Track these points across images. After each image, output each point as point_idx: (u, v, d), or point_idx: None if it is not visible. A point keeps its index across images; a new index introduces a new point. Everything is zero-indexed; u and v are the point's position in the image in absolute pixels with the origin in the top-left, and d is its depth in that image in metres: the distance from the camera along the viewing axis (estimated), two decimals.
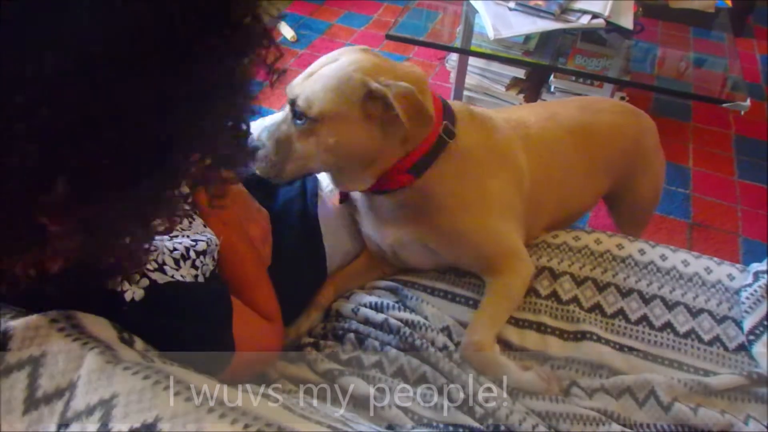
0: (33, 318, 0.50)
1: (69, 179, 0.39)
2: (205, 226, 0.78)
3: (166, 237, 0.68)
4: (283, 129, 0.87)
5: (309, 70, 0.88)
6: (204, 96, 0.44)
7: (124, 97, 0.39)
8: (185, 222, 0.75)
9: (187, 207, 0.68)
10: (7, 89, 0.36)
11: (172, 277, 0.63)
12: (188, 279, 0.66)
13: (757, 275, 1.00)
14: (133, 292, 0.59)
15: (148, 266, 0.61)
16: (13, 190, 0.39)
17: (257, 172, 0.89)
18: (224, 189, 0.53)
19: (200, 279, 0.69)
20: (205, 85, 0.43)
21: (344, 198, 1.01)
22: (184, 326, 0.64)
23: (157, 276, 0.62)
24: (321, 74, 0.85)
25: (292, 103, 0.86)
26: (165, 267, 0.63)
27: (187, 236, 0.71)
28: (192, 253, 0.68)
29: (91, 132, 0.39)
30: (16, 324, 0.49)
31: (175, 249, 0.66)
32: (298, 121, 0.85)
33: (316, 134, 0.85)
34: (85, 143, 0.39)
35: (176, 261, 0.65)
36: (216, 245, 0.75)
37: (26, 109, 0.36)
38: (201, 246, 0.70)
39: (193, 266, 0.68)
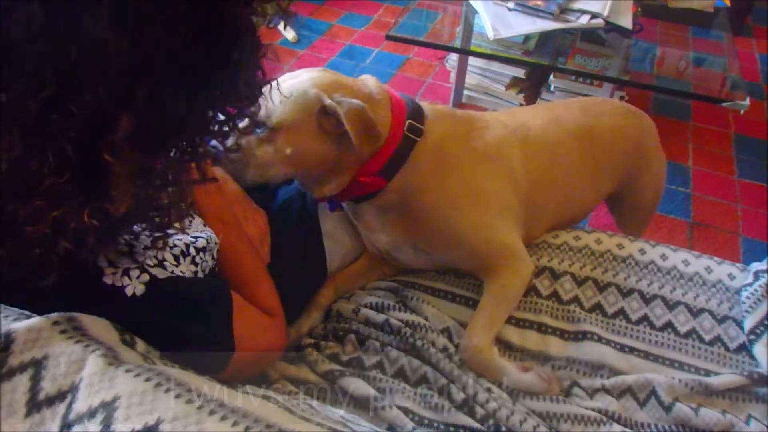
0: (35, 320, 0.50)
1: (133, 119, 0.46)
2: (204, 225, 0.78)
3: None
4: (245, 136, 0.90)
5: (274, 83, 0.90)
6: (237, 44, 0.50)
7: (175, 50, 0.46)
8: (185, 220, 0.75)
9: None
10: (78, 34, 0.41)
11: (172, 272, 0.64)
12: (188, 275, 0.66)
13: (757, 274, 1.00)
14: (134, 287, 0.59)
15: (148, 262, 0.62)
16: (83, 127, 0.44)
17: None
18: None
19: (200, 275, 0.69)
20: (238, 36, 0.50)
21: (340, 207, 1.02)
22: (183, 324, 0.64)
23: (157, 271, 0.62)
24: (282, 87, 0.88)
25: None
26: (165, 263, 0.64)
27: (187, 233, 0.71)
28: (192, 250, 0.68)
29: (147, 78, 0.45)
30: (19, 326, 0.49)
31: (174, 245, 0.66)
32: (258, 130, 0.88)
33: (273, 143, 0.88)
34: (145, 88, 0.45)
35: (176, 257, 0.65)
36: (216, 243, 0.75)
37: (92, 55, 0.42)
38: (201, 243, 0.70)
39: (193, 262, 0.68)
